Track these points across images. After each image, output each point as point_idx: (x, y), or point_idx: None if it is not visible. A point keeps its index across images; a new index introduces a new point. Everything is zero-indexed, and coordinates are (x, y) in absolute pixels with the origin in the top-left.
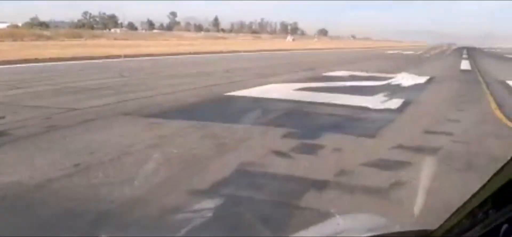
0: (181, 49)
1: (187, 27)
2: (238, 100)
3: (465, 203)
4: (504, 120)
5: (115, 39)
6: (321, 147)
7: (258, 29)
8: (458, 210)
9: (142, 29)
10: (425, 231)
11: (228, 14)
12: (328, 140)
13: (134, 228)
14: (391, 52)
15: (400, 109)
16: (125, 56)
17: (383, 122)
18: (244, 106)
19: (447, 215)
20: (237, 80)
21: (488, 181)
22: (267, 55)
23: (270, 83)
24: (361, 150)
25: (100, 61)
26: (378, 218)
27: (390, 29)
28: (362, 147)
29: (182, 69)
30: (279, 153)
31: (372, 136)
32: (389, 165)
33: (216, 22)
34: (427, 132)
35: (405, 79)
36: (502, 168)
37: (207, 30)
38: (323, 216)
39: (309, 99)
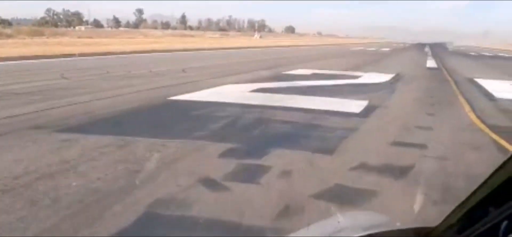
0: (145, 47)
1: (154, 25)
2: (182, 106)
3: (465, 201)
4: (481, 126)
5: (79, 37)
6: (266, 169)
7: (226, 27)
8: (458, 207)
9: (108, 27)
10: (425, 228)
11: (196, 12)
12: (277, 158)
13: None
14: (356, 48)
15: (364, 114)
16: (80, 54)
17: (345, 131)
18: (187, 113)
19: None
20: (191, 80)
21: (488, 178)
22: (231, 53)
23: (226, 83)
24: (316, 173)
25: (51, 60)
26: (379, 216)
27: (356, 26)
28: (317, 169)
29: (136, 69)
30: (210, 183)
31: (331, 151)
32: (349, 196)
33: (183, 20)
34: (396, 144)
35: (370, 77)
36: (502, 165)
37: (175, 28)
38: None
39: (264, 102)
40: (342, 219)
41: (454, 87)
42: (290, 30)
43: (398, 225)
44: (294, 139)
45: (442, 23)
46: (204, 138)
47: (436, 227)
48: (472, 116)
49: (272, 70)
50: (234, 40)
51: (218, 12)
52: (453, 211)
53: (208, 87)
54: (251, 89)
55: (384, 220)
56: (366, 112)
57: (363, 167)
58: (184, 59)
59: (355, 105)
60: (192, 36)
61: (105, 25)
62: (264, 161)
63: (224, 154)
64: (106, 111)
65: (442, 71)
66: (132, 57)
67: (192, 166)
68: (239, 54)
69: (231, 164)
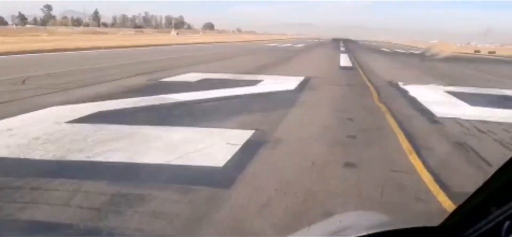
0: (31, 46)
1: (64, 22)
2: None
3: (468, 200)
4: (443, 199)
5: None
6: None
7: (143, 24)
8: (461, 206)
9: (13, 24)
10: (428, 228)
11: (111, 8)
12: None
13: None
14: (271, 45)
15: (231, 172)
16: None
17: None
18: None
19: None
20: (10, 99)
21: (490, 178)
22: (129, 52)
23: (58, 103)
24: None
25: None
26: (381, 215)
27: (275, 23)
28: None
29: None
30: None
31: None
32: None
33: (96, 17)
34: None
35: (273, 83)
36: (504, 166)
37: (87, 25)
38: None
39: (58, 153)
40: (344, 219)
41: (377, 97)
42: (209, 27)
43: (400, 225)
44: None
45: (354, 20)
46: None
47: (438, 226)
48: (422, 171)
49: (153, 75)
50: (147, 38)
51: (134, 9)
52: (455, 211)
53: (18, 113)
54: (82, 114)
55: (386, 219)
56: (238, 165)
57: None
58: (57, 61)
59: (226, 145)
60: (104, 33)
61: (10, 22)
62: None
63: None
64: None
65: (357, 71)
66: None
67: None
68: (135, 54)
69: None
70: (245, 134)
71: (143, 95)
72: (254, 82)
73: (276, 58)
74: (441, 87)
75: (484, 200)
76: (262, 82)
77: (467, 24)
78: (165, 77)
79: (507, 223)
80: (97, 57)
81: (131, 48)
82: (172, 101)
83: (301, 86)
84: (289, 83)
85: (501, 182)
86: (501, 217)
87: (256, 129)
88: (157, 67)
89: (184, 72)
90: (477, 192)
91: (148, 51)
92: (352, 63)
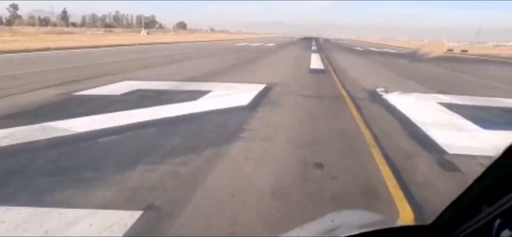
0: None
1: (31, 22)
2: None
3: (458, 198)
4: None
5: None
6: None
7: (113, 23)
8: (451, 204)
9: None
10: (419, 226)
11: (80, 8)
12: None
13: None
14: (240, 44)
15: None
16: None
17: None
18: None
19: None
20: None
21: (481, 176)
22: (77, 54)
23: None
24: None
25: None
26: (373, 214)
27: (248, 22)
28: None
29: None
30: None
31: None
32: None
33: (64, 16)
34: None
35: (218, 96)
36: (494, 163)
37: (54, 25)
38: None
39: None
40: (336, 217)
41: (356, 115)
42: (182, 26)
43: (392, 224)
44: None
45: (326, 18)
46: None
47: (430, 224)
48: None
49: (73, 86)
50: (114, 37)
51: (105, 8)
52: (446, 209)
53: None
54: None
55: (378, 218)
56: None
57: None
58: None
59: None
60: (71, 33)
61: None
62: None
63: None
64: None
65: (330, 75)
66: None
67: None
68: (82, 56)
69: None
70: (113, 232)
71: (25, 123)
72: (197, 95)
73: (241, 59)
74: (432, 95)
75: (475, 198)
76: (207, 95)
77: (437, 22)
78: (87, 89)
79: (498, 221)
80: (35, 60)
81: (86, 49)
82: (52, 136)
83: (258, 100)
84: (243, 95)
85: (492, 180)
86: (492, 215)
87: (147, 209)
88: (92, 73)
89: (118, 80)
90: (468, 190)
91: (102, 53)
92: (324, 64)
